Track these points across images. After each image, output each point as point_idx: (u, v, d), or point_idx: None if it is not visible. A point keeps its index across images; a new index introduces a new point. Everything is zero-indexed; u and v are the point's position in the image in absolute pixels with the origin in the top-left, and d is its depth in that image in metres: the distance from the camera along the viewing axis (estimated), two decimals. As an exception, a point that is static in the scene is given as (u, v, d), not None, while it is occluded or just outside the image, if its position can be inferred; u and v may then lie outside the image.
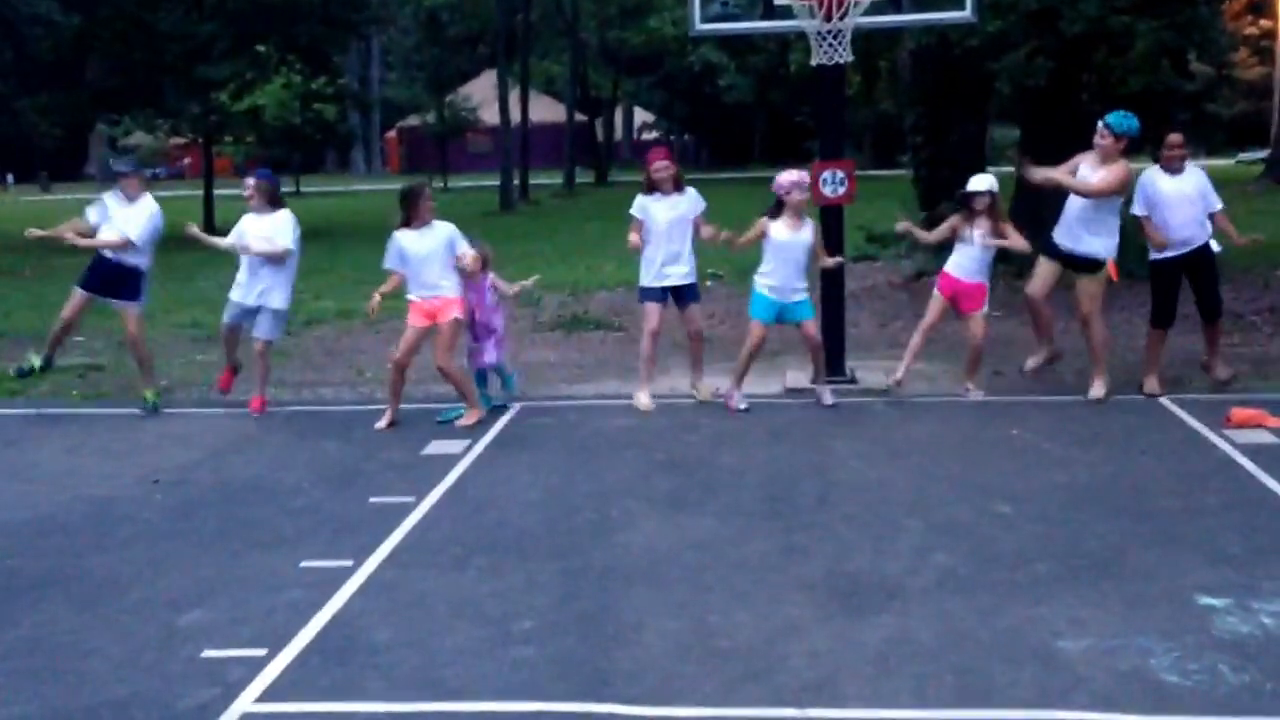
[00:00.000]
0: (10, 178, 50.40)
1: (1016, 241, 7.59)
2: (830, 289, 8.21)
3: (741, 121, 51.71)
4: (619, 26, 43.54)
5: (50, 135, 31.45)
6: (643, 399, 7.70)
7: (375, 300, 7.49)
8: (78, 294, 7.93)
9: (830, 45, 7.90)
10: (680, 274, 7.66)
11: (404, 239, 7.44)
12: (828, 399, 7.58)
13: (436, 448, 6.88)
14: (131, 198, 7.93)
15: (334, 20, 24.61)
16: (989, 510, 5.49)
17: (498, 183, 29.51)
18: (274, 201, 7.91)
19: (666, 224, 7.61)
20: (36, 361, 8.07)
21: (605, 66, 48.16)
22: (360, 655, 4.18)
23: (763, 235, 7.47)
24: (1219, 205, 7.50)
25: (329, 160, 56.37)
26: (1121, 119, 7.27)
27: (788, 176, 7.44)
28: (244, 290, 7.87)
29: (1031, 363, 7.75)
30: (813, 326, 7.56)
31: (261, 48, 24.22)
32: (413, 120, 53.66)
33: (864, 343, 8.44)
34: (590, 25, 45.06)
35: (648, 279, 7.73)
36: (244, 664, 4.12)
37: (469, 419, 7.41)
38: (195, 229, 8.18)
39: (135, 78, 23.49)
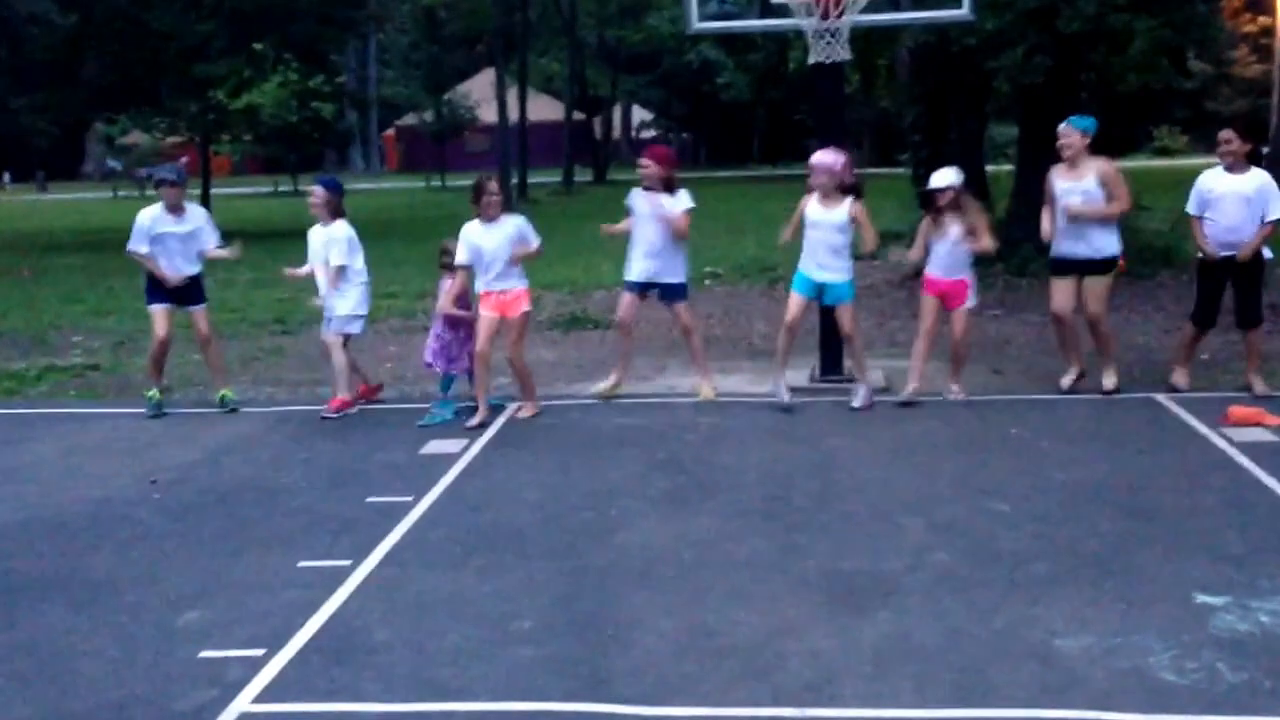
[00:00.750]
0: (7, 177, 50.38)
1: (985, 243, 7.48)
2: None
3: (740, 120, 51.71)
4: (617, 24, 43.51)
5: (47, 134, 31.43)
6: (600, 385, 7.90)
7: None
8: (157, 311, 7.97)
9: (828, 43, 7.89)
10: (652, 271, 7.70)
11: (472, 232, 7.48)
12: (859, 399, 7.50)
13: (435, 447, 6.87)
14: (176, 209, 7.90)
15: (331, 19, 24.59)
16: (988, 509, 5.48)
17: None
18: (336, 212, 7.85)
19: (646, 220, 7.67)
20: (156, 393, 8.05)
21: (604, 65, 48.12)
22: (358, 655, 4.18)
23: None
24: (1277, 215, 7.14)
25: (327, 159, 56.34)
26: (1080, 119, 7.30)
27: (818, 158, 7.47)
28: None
29: (1067, 381, 7.63)
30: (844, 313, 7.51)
31: (258, 46, 24.18)
32: (410, 119, 53.62)
33: (863, 341, 8.42)
34: (589, 23, 45.03)
35: (627, 272, 7.86)
36: (242, 664, 4.12)
37: (529, 410, 7.55)
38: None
39: (132, 76, 23.46)
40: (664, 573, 4.84)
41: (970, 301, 7.62)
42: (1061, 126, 7.38)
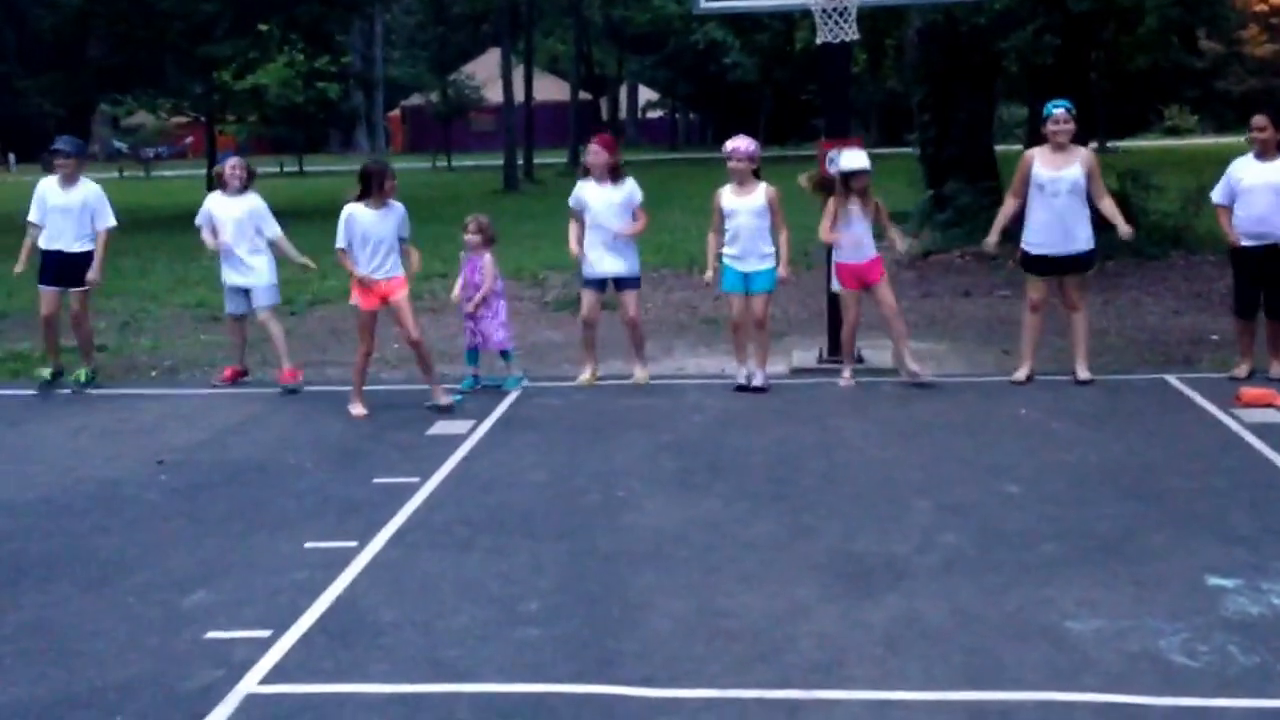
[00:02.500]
0: (12, 159, 50.30)
1: (895, 238, 7.53)
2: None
3: (747, 100, 51.44)
4: (623, 4, 43.28)
5: (53, 115, 31.34)
6: (582, 375, 7.82)
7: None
8: (46, 292, 8.08)
9: (836, 23, 7.81)
10: (610, 264, 7.63)
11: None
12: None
13: (441, 428, 6.85)
14: (69, 181, 7.96)
15: (337, -1, 24.47)
16: (997, 490, 5.45)
17: (501, 162, 29.41)
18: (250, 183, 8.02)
19: (600, 212, 7.59)
20: (49, 371, 8.21)
21: (610, 45, 47.91)
22: (365, 636, 4.17)
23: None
24: None
25: (332, 140, 56.20)
26: (1064, 103, 7.14)
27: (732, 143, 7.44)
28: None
29: (1023, 374, 7.40)
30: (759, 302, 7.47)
31: (264, 26, 24.08)
32: (416, 99, 53.44)
33: (870, 323, 8.36)
34: (594, 3, 44.80)
35: (586, 268, 7.76)
36: (248, 645, 4.10)
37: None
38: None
39: (137, 57, 23.40)
40: (672, 554, 4.82)
41: (885, 274, 7.50)
42: (1058, 110, 7.11)
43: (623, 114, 50.17)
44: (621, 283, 7.72)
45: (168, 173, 32.92)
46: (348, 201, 7.22)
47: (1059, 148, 7.14)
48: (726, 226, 7.43)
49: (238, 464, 6.31)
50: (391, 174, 7.28)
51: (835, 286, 7.66)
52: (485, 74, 47.26)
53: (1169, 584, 4.34)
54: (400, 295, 7.26)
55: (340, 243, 7.23)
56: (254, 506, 5.62)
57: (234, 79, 24.20)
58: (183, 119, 27.06)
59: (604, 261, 7.64)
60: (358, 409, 7.26)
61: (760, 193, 7.37)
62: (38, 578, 4.82)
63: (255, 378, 8.37)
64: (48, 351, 8.29)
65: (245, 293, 8.00)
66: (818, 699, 3.62)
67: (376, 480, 5.91)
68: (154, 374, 8.51)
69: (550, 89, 49.74)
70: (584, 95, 44.18)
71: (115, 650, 4.14)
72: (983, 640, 3.94)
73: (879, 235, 7.59)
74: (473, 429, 6.80)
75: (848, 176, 7.34)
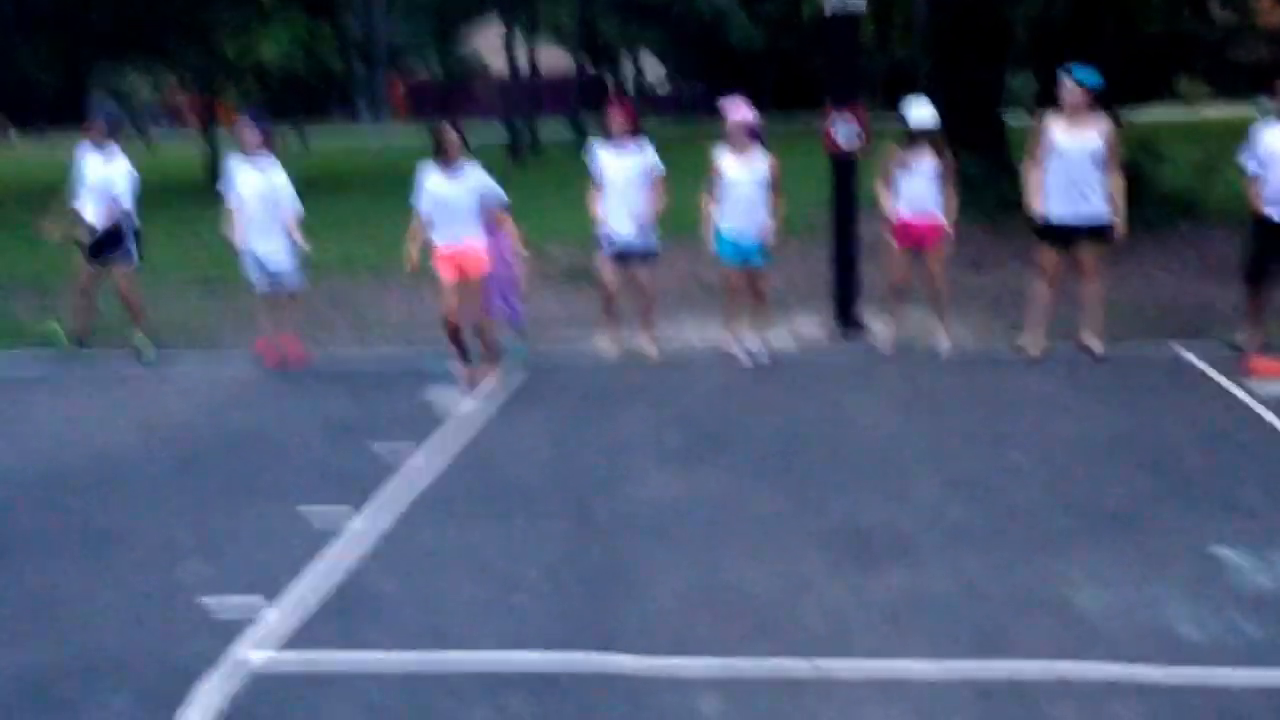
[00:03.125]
0: (12, 131, 50.03)
1: (950, 198, 7.36)
2: (843, 241, 8.06)
3: (752, 70, 51.06)
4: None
5: (50, 85, 31.16)
6: (605, 344, 7.70)
7: None
8: (86, 264, 8.01)
9: (844, -7, 7.69)
10: (633, 233, 7.48)
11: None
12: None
13: (442, 399, 6.78)
14: (100, 147, 7.86)
15: (338, -33, 24.21)
16: (1005, 463, 5.40)
17: (505, 132, 29.24)
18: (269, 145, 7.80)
19: (617, 181, 7.44)
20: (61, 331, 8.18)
21: (614, 15, 47.50)
22: (363, 606, 4.13)
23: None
24: None
25: (333, 110, 55.89)
26: (1088, 74, 6.98)
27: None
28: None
29: (1037, 350, 7.30)
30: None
31: (264, -3, 23.86)
32: (419, 69, 53.13)
33: (877, 295, 8.30)
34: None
35: (605, 235, 7.62)
36: (245, 615, 4.07)
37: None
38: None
39: (136, 25, 23.18)
40: (675, 527, 4.78)
41: (945, 243, 7.40)
42: (1068, 80, 6.98)
43: (628, 85, 49.82)
44: (639, 254, 7.60)
45: (164, 142, 32.79)
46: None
47: (1076, 114, 7.01)
48: (726, 194, 7.34)
49: (236, 434, 6.26)
50: (450, 131, 6.89)
51: (887, 239, 7.53)
52: (488, 44, 46.97)
53: (1178, 557, 4.29)
54: (474, 270, 7.00)
55: (414, 201, 7.05)
56: (252, 477, 5.58)
57: (233, 47, 23.98)
58: (182, 91, 26.89)
59: (621, 230, 7.51)
60: (458, 369, 7.14)
61: (761, 162, 7.27)
62: (33, 548, 4.79)
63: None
64: (76, 318, 8.18)
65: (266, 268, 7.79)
66: (824, 674, 3.58)
67: (376, 451, 5.85)
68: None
69: (554, 59, 49.40)
70: (588, 66, 43.86)
71: (111, 619, 4.11)
72: (989, 613, 3.90)
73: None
74: (474, 399, 6.74)
75: (915, 134, 7.24)
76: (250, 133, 7.67)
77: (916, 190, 7.29)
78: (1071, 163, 7.00)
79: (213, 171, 22.14)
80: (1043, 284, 7.31)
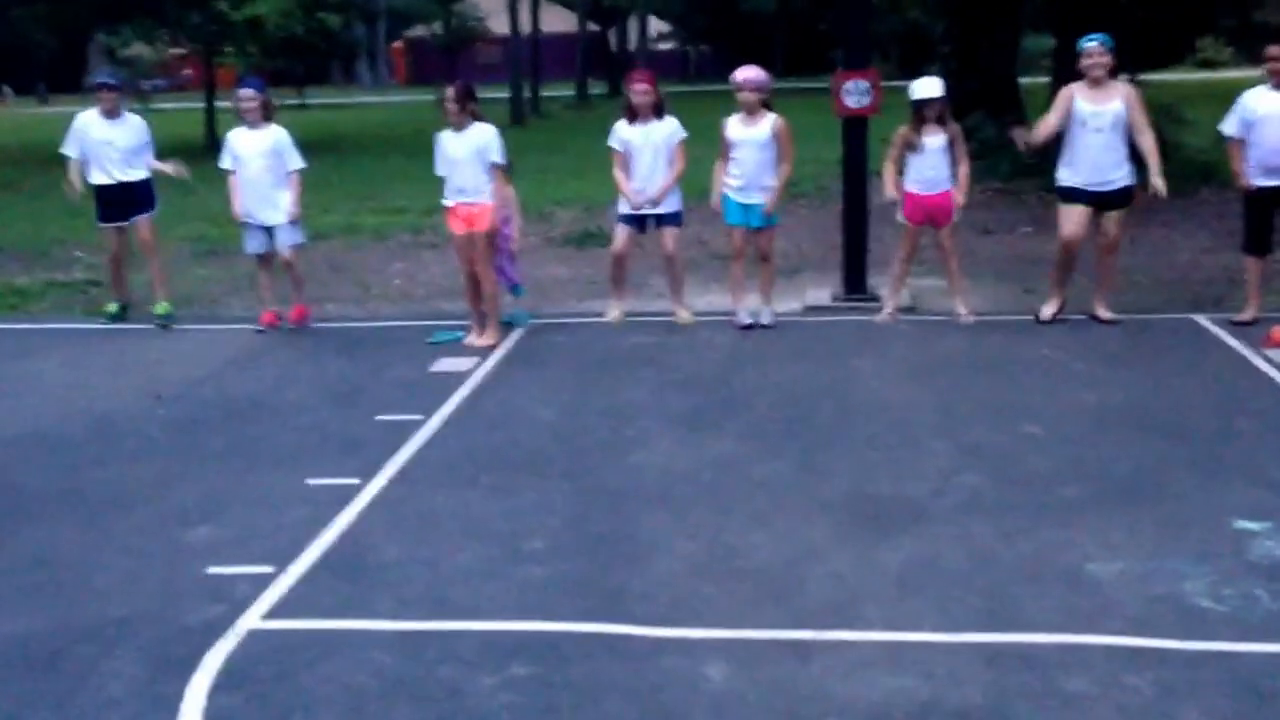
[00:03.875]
0: (9, 91, 49.70)
1: (962, 165, 7.23)
2: (853, 205, 7.96)
3: (761, 32, 50.57)
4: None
5: (47, 46, 30.89)
6: (611, 313, 7.60)
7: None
8: (107, 230, 7.94)
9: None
10: (659, 204, 7.37)
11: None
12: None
13: (445, 365, 6.73)
14: (111, 115, 7.75)
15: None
16: (1017, 431, 5.32)
17: (507, 95, 29.00)
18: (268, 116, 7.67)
19: (641, 150, 7.31)
20: (114, 308, 8.09)
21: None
22: (368, 573, 4.09)
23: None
24: None
25: (333, 72, 55.51)
26: (1105, 37, 6.85)
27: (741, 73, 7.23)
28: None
29: (1050, 311, 7.21)
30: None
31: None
32: (419, 30, 52.69)
33: (885, 260, 8.20)
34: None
35: (623, 205, 7.49)
36: (250, 581, 4.04)
37: (490, 338, 7.20)
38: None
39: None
40: (681, 494, 4.73)
41: (956, 215, 7.31)
42: (1090, 44, 6.84)
43: (632, 46, 49.33)
44: (663, 219, 7.46)
45: (166, 105, 32.48)
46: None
47: (1097, 83, 6.87)
48: (732, 157, 7.25)
49: (237, 400, 6.21)
50: (454, 93, 7.01)
51: (899, 216, 7.41)
52: (489, 4, 46.55)
53: (1193, 527, 4.23)
54: (480, 227, 7.08)
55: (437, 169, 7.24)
56: (254, 442, 5.53)
57: (232, 9, 23.73)
58: (180, 50, 26.65)
59: (648, 204, 7.37)
60: (472, 338, 7.18)
61: (767, 124, 7.17)
62: (36, 511, 4.76)
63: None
64: (114, 287, 8.15)
65: (267, 231, 7.64)
66: (831, 640, 3.54)
67: (379, 417, 5.80)
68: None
69: (557, 19, 48.96)
70: (592, 26, 43.46)
71: (116, 584, 4.08)
72: (1000, 582, 3.85)
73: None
74: (477, 365, 6.68)
75: (920, 105, 7.12)
76: (250, 103, 7.55)
77: (927, 166, 7.19)
78: (1096, 132, 6.86)
79: (212, 134, 21.99)
80: (1064, 251, 7.15)
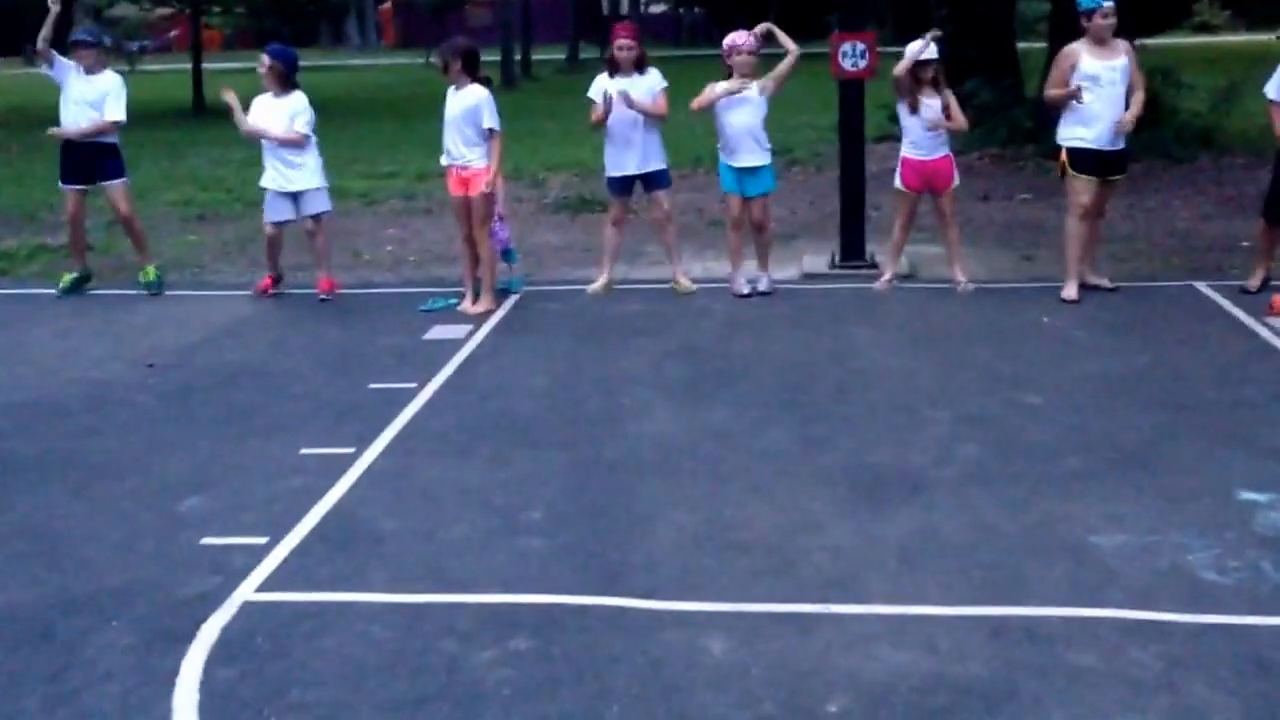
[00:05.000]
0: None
1: (958, 120, 7.13)
2: (850, 171, 7.87)
3: (756, -5, 50.09)
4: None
5: (33, 6, 30.35)
6: (594, 284, 7.46)
7: None
8: (68, 192, 7.74)
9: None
10: (637, 162, 7.19)
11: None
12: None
13: (439, 333, 6.66)
14: (91, 71, 7.55)
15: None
16: (1018, 401, 5.27)
17: (498, 58, 28.71)
18: (288, 83, 7.45)
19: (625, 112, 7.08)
20: (69, 279, 7.87)
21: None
22: (364, 545, 4.05)
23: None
24: None
25: (322, 33, 54.89)
26: None
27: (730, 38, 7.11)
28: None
29: (1074, 292, 6.95)
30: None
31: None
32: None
33: (885, 226, 8.12)
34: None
35: (609, 168, 7.35)
36: (245, 552, 4.00)
37: (484, 304, 7.13)
38: (233, 98, 7.54)
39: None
40: (679, 464, 4.68)
41: (955, 180, 7.24)
42: (1108, 3, 6.65)
43: (624, 8, 48.87)
44: (650, 180, 7.31)
45: (153, 67, 32.12)
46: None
47: (1101, 41, 6.76)
48: (725, 123, 7.12)
49: (230, 368, 6.14)
50: (455, 51, 6.97)
51: (897, 183, 7.33)
52: (480, -34, 45.96)
53: (1198, 498, 4.19)
54: (472, 191, 6.99)
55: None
56: (248, 411, 5.47)
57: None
58: (167, 10, 26.30)
59: (627, 159, 7.21)
60: (466, 304, 7.11)
61: (754, 87, 7.04)
62: (28, 480, 4.70)
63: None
64: (73, 253, 7.99)
65: (291, 198, 7.47)
66: (832, 613, 3.51)
67: (373, 386, 5.74)
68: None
69: (548, -17, 48.42)
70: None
71: (110, 554, 4.03)
72: (1003, 555, 3.82)
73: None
74: (471, 334, 6.61)
75: (916, 67, 7.00)
76: (272, 72, 7.39)
77: (924, 130, 7.08)
78: (1110, 86, 6.74)
79: (199, 96, 21.74)
80: (1080, 224, 6.96)
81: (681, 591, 3.66)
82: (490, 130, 6.97)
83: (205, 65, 23.05)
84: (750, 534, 4.05)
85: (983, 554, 3.83)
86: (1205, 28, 37.52)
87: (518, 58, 29.60)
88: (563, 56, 37.42)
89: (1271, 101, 6.85)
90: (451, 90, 7.03)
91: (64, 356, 6.42)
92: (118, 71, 7.92)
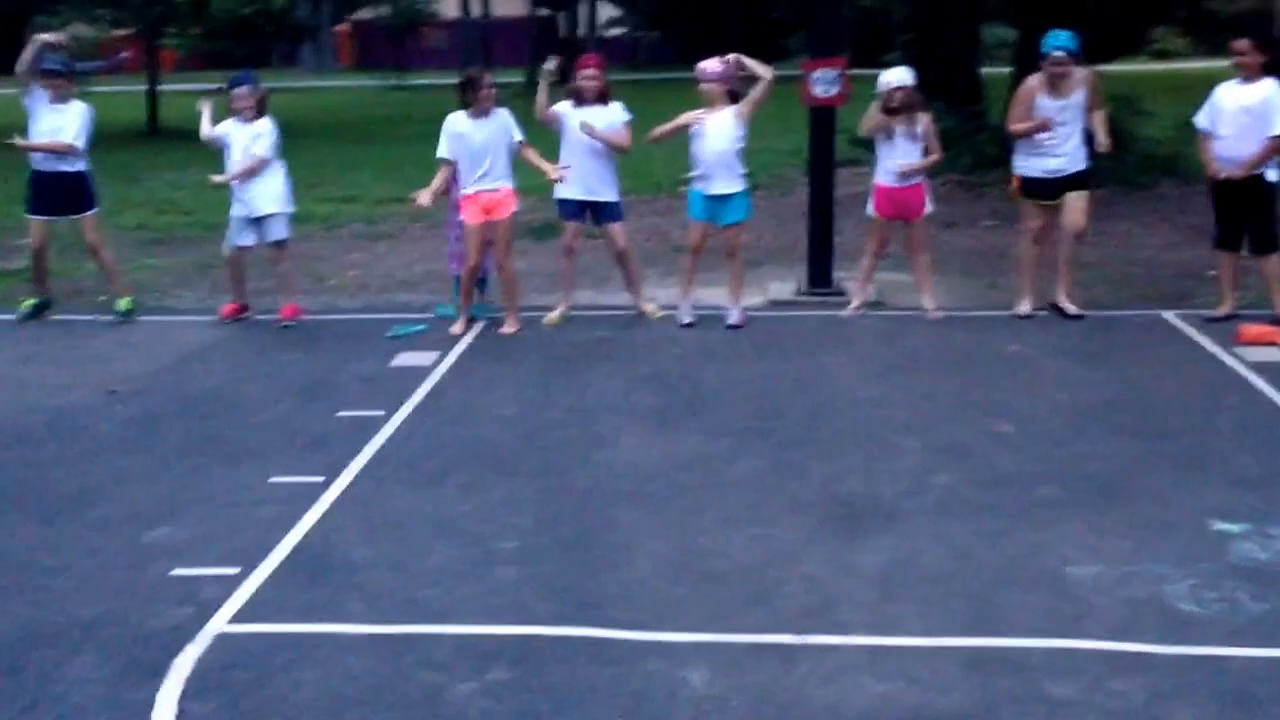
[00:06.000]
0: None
1: (933, 156, 7.22)
2: (819, 196, 7.92)
3: (713, 18, 50.38)
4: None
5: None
6: (551, 313, 7.43)
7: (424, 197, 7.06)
8: (35, 221, 7.62)
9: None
10: (586, 188, 7.22)
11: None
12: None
13: (406, 359, 6.60)
14: (59, 101, 7.44)
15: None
16: (989, 430, 5.30)
17: (456, 80, 28.65)
18: (263, 109, 7.44)
19: (577, 133, 7.13)
20: (29, 304, 7.75)
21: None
22: (337, 575, 4.00)
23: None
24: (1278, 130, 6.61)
25: (275, 55, 54.52)
26: (1068, 39, 6.85)
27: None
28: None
29: (1027, 307, 7.21)
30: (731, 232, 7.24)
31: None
32: (365, 13, 51.78)
33: (849, 252, 8.15)
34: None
35: (559, 189, 7.35)
36: (216, 583, 3.94)
37: (511, 326, 7.18)
38: (207, 108, 7.50)
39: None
40: (652, 493, 4.67)
41: (928, 209, 7.32)
42: (1057, 53, 6.81)
43: (581, 31, 49.00)
44: (600, 212, 7.32)
45: (103, 88, 31.64)
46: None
47: (1054, 84, 6.92)
48: (699, 150, 7.13)
49: (194, 395, 6.05)
50: (489, 79, 7.10)
51: (869, 210, 7.37)
52: (439, -13, 45.94)
53: (1172, 528, 4.23)
54: (505, 214, 7.06)
55: (442, 153, 7.08)
56: (214, 439, 5.39)
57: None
58: (123, 31, 25.99)
59: (574, 182, 7.22)
60: (457, 327, 7.15)
61: (728, 112, 7.05)
62: (-8, 510, 4.59)
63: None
64: (35, 281, 7.81)
65: (255, 223, 7.41)
66: (812, 644, 3.51)
67: (341, 413, 5.68)
68: (101, 299, 8.14)
69: (506, 4, 48.47)
70: (541, 11, 43.10)
71: (78, 585, 3.96)
72: (980, 585, 3.84)
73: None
74: (438, 360, 6.56)
75: (889, 93, 7.04)
76: (244, 99, 7.34)
77: (899, 157, 7.15)
78: (1062, 125, 6.93)
79: (154, 118, 21.48)
80: (1032, 246, 7.21)
81: (659, 622, 3.64)
82: (521, 142, 7.06)
83: (161, 87, 22.79)
84: (726, 563, 4.04)
85: (960, 584, 3.85)
86: (1164, 54, 38.15)
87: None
88: (521, 79, 37.47)
89: (1202, 131, 7.00)
90: (472, 118, 6.98)
91: (25, 383, 6.30)
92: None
